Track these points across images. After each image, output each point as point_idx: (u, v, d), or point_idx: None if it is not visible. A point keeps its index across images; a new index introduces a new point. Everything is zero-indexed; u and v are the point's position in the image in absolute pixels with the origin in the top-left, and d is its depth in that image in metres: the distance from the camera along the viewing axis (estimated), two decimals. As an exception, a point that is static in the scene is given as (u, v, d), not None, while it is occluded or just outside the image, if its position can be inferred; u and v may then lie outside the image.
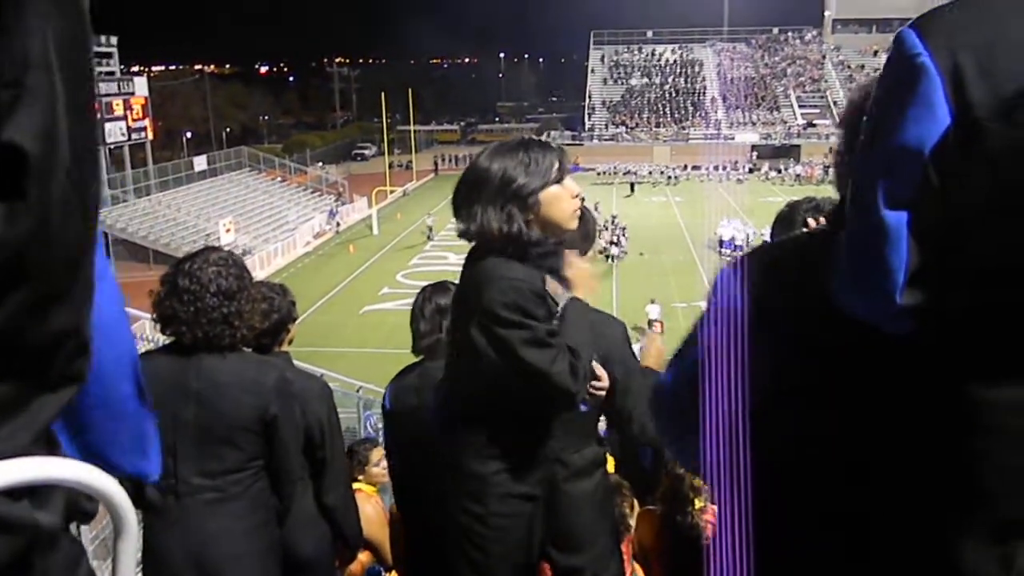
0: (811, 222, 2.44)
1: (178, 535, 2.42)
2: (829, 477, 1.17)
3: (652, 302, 24.43)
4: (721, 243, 32.94)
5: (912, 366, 1.04)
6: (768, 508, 1.18)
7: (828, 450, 1.16)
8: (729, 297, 1.25)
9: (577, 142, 65.26)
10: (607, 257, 30.83)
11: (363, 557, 4.00)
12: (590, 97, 70.94)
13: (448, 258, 31.16)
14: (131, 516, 0.69)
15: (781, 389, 1.20)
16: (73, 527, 0.69)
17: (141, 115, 43.38)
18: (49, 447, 0.64)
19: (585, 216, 2.72)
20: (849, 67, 69.66)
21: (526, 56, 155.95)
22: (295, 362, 3.09)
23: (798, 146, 61.28)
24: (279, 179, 51.65)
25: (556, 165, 2.16)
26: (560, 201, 2.17)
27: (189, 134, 66.78)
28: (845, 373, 1.13)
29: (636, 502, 3.26)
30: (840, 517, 1.16)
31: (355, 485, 4.36)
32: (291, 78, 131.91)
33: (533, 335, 2.08)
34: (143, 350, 2.57)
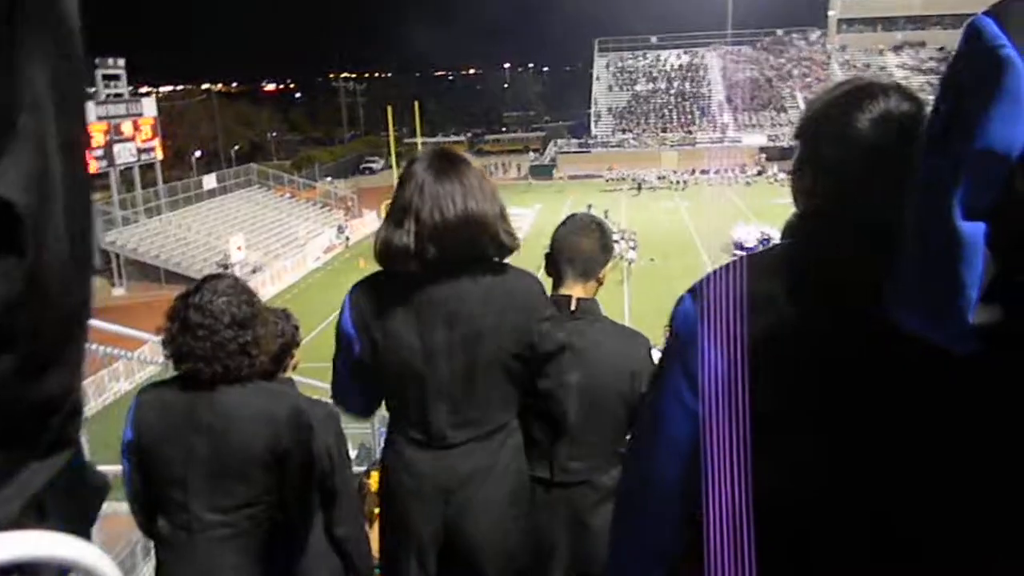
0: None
1: (190, 572, 2.37)
2: (868, 510, 1.07)
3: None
4: (738, 246, 32.78)
5: (973, 386, 0.94)
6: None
7: (864, 477, 1.07)
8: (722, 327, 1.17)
9: (584, 149, 65.25)
10: (628, 263, 30.68)
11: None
12: (596, 104, 70.91)
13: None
14: None
15: (796, 417, 1.12)
16: None
17: (151, 135, 43.57)
18: (39, 515, 0.61)
19: (603, 227, 2.74)
20: (855, 67, 69.36)
21: (530, 66, 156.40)
22: (300, 388, 3.05)
23: (806, 147, 60.82)
24: (288, 195, 51.81)
25: None
26: None
27: (198, 153, 67.09)
28: (881, 394, 1.05)
29: None
30: (890, 546, 1.07)
31: (379, 510, 4.30)
32: (297, 95, 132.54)
33: None
34: (150, 378, 2.53)
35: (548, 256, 2.69)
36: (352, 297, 2.29)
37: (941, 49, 69.18)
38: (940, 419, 1.00)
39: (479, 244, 2.19)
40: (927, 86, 65.75)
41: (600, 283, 2.69)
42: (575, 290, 2.61)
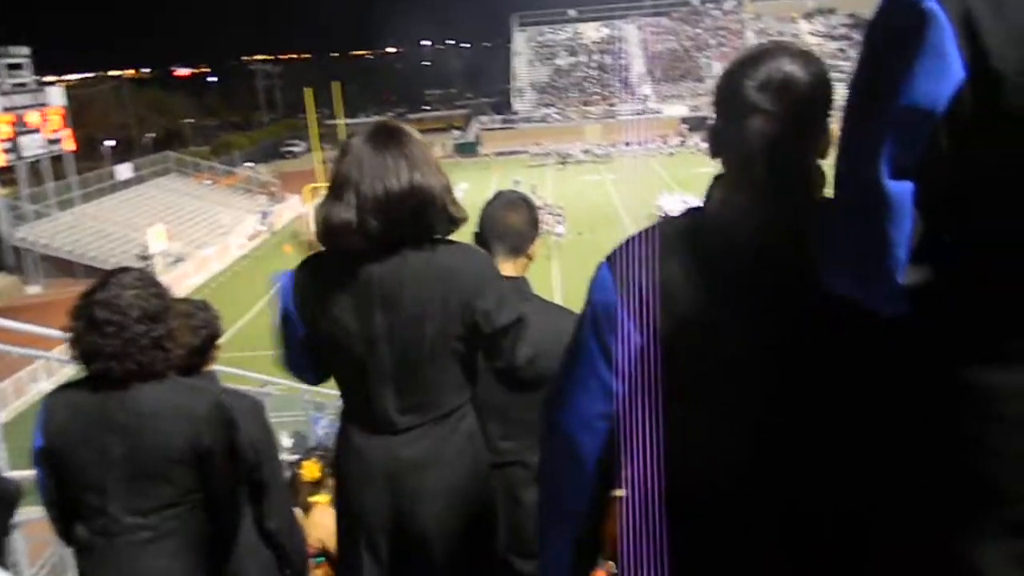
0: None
1: None
2: (813, 478, 1.05)
3: None
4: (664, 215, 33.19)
5: (904, 349, 0.92)
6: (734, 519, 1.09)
7: (803, 447, 1.04)
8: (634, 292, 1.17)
9: (508, 125, 65.17)
10: (556, 237, 30.60)
11: (321, 573, 3.93)
12: (517, 79, 70.77)
13: (387, 251, 30.83)
14: None
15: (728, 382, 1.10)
16: None
17: (60, 126, 41.95)
18: None
19: (530, 203, 2.74)
20: (769, 35, 70.54)
21: (450, 42, 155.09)
22: (230, 379, 2.99)
23: (725, 116, 61.96)
24: (208, 182, 50.58)
25: None
26: None
27: (112, 143, 64.83)
28: (814, 360, 1.03)
29: None
30: (836, 518, 1.04)
31: (313, 498, 4.27)
32: (212, 79, 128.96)
33: None
34: (71, 378, 2.43)
35: (477, 235, 2.65)
36: (293, 277, 2.22)
37: (851, 15, 70.92)
38: (858, 388, 0.98)
39: (425, 217, 2.09)
40: (839, 52, 67.40)
41: (530, 259, 2.68)
42: (506, 268, 2.56)
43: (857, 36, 68.84)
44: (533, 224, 2.69)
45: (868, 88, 0.89)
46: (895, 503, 0.97)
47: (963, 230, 0.84)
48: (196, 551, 2.37)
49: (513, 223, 2.64)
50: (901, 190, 0.83)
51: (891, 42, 0.87)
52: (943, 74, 0.81)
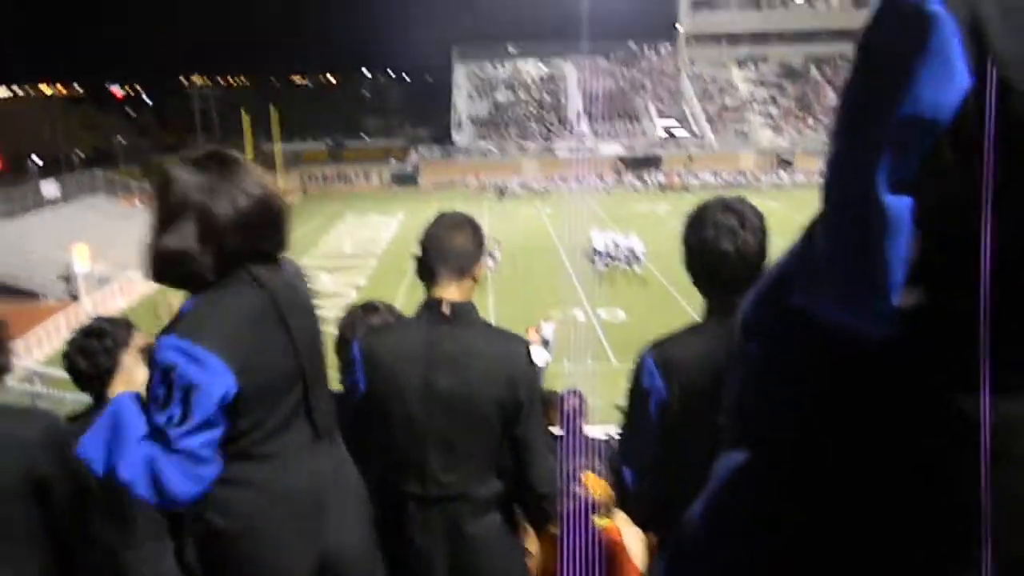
0: (720, 222, 2.33)
1: None
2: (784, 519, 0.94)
3: (546, 320, 23.64)
4: (595, 252, 33.67)
5: (896, 378, 0.84)
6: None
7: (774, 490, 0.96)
8: None
9: (446, 157, 65.41)
10: (491, 268, 30.53)
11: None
12: (457, 112, 71.23)
13: (320, 277, 30.67)
14: None
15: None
16: None
17: (-18, 140, 40.79)
18: None
19: (474, 223, 2.64)
20: (703, 79, 72.59)
21: (390, 73, 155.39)
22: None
23: (659, 156, 63.29)
24: (138, 204, 49.55)
25: None
26: None
27: (38, 160, 63.08)
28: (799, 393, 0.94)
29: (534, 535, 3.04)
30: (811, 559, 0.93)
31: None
32: (147, 99, 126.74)
33: None
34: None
35: (419, 258, 2.57)
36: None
37: (781, 64, 73.37)
38: (849, 424, 0.89)
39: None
40: (769, 100, 69.57)
41: (475, 281, 2.58)
42: (450, 291, 2.50)
43: (787, 84, 71.32)
44: (479, 245, 2.58)
45: (864, 98, 0.82)
46: (889, 546, 0.88)
47: (965, 248, 0.78)
48: None
49: (458, 244, 2.53)
50: (899, 205, 0.78)
51: (891, 49, 0.79)
52: (948, 82, 0.75)
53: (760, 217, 2.37)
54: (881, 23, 0.82)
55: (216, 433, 1.82)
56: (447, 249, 2.52)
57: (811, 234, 0.90)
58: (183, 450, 1.77)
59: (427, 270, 2.55)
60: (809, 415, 0.92)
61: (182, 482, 1.77)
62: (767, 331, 0.98)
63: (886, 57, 0.80)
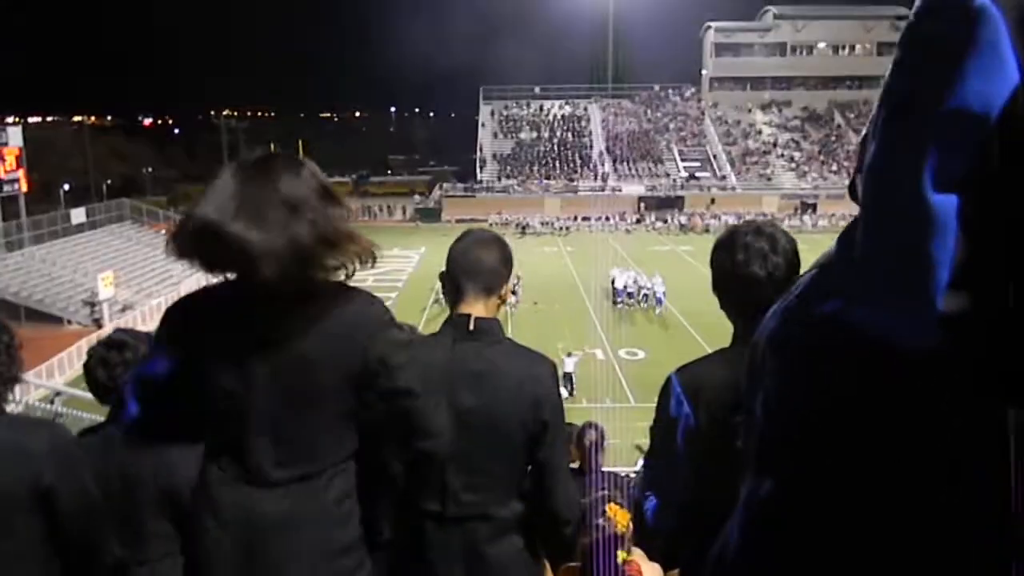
0: (751, 245, 2.31)
1: None
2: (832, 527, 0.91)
3: (569, 355, 22.99)
4: (615, 291, 33.62)
5: (939, 388, 0.80)
6: None
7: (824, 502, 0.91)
8: None
9: (469, 194, 65.78)
10: (512, 305, 30.58)
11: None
12: (481, 150, 71.75)
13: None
14: None
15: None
16: None
17: (14, 166, 41.46)
18: None
19: (502, 241, 2.54)
20: (726, 122, 72.87)
21: (416, 110, 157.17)
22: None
23: (682, 197, 63.47)
24: (163, 232, 50.04)
25: None
26: None
27: (68, 187, 64.05)
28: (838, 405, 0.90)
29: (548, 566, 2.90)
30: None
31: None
32: (176, 130, 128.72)
33: None
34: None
35: (444, 275, 2.48)
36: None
37: (804, 108, 73.55)
38: (899, 422, 0.85)
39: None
40: (791, 143, 69.66)
41: (503, 300, 2.48)
42: (476, 308, 2.41)
43: (810, 129, 71.43)
44: (507, 263, 2.48)
45: (909, 92, 0.79)
46: (927, 562, 0.85)
47: (1013, 251, 0.75)
48: None
49: (485, 260, 2.43)
50: (946, 204, 0.74)
51: (938, 42, 0.77)
52: (997, 73, 0.72)
53: (792, 242, 2.34)
54: (927, 16, 0.79)
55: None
56: (475, 265, 2.43)
57: (849, 237, 0.86)
58: None
59: (453, 286, 2.46)
60: (841, 428, 0.88)
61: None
62: (796, 343, 0.94)
63: (932, 50, 0.77)
